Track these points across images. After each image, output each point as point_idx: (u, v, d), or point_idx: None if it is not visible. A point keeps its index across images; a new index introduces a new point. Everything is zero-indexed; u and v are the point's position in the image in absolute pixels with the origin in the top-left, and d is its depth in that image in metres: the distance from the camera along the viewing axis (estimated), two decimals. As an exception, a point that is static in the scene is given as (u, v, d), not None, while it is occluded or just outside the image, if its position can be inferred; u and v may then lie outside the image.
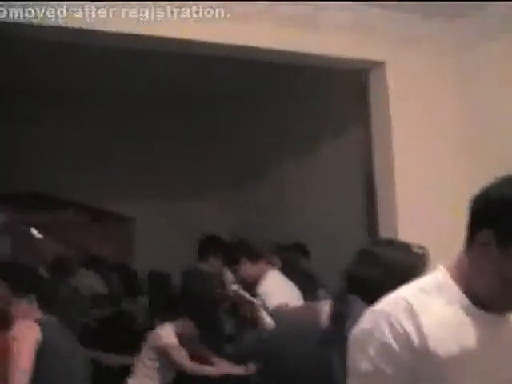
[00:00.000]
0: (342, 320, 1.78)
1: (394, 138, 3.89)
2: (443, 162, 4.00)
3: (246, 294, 3.45)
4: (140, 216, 6.68)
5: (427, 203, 3.86)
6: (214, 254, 4.81)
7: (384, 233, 3.91)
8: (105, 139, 6.45)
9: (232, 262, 4.16)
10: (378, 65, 3.98)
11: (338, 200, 5.09)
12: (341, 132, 5.15)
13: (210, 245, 4.89)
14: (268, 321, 3.25)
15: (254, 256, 3.92)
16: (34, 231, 6.90)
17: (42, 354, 2.62)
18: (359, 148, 4.72)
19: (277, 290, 3.72)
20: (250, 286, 3.80)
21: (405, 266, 1.91)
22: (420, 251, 2.08)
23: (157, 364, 3.93)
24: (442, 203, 3.86)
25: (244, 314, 3.46)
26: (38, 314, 2.81)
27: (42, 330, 2.68)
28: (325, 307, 1.94)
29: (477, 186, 1.26)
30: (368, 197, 4.49)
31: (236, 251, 4.09)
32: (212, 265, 4.80)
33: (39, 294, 2.85)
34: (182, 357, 3.92)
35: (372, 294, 1.42)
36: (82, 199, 6.65)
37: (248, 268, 3.90)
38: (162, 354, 3.91)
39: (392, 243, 2.23)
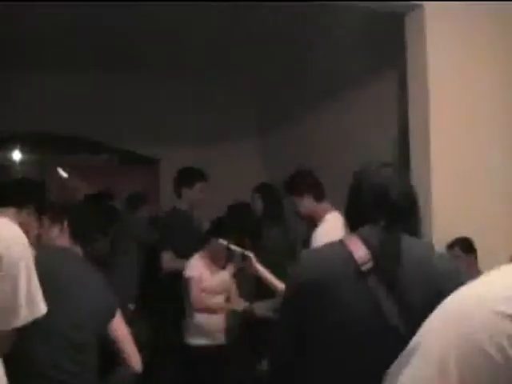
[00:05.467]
0: (387, 253, 1.67)
1: (430, 89, 3.81)
2: (482, 116, 3.94)
3: (236, 247, 3.27)
4: (166, 159, 6.68)
5: (463, 161, 3.85)
6: None
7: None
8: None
9: (294, 193, 3.78)
10: (416, 7, 3.88)
11: (371, 149, 4.76)
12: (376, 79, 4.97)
13: None
14: (270, 277, 3.12)
15: (320, 194, 3.75)
16: (61, 171, 5.96)
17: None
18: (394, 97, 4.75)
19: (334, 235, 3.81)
20: (308, 223, 3.80)
21: None
22: None
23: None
24: (477, 161, 3.87)
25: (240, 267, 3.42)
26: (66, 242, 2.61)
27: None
28: (353, 239, 1.71)
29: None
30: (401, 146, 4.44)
31: (300, 184, 3.77)
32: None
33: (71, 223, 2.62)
34: (197, 293, 3.99)
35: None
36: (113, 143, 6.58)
37: (310, 205, 3.73)
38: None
39: None
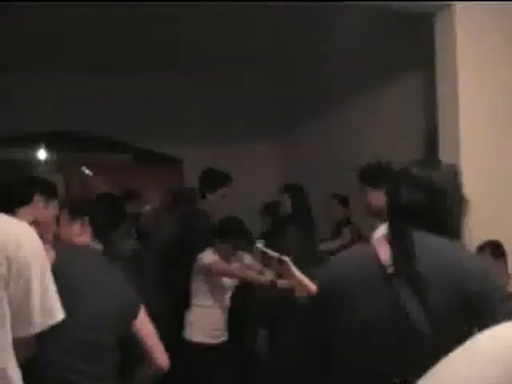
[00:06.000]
0: (405, 257, 1.64)
1: (460, 90, 3.76)
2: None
3: (271, 252, 3.08)
4: (189, 160, 6.66)
5: (493, 161, 3.79)
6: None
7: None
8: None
9: (373, 184, 3.36)
10: (446, 7, 3.82)
11: (397, 148, 4.55)
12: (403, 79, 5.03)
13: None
14: (306, 280, 2.88)
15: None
16: (85, 169, 6.33)
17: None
18: (422, 96, 4.75)
19: None
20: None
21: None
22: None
23: (208, 286, 4.07)
24: (509, 161, 3.82)
25: (275, 271, 3.41)
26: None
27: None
28: (382, 242, 1.70)
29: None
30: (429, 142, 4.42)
31: (382, 176, 3.30)
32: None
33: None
34: (226, 267, 4.07)
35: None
36: (132, 141, 6.63)
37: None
38: (207, 273, 4.02)
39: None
